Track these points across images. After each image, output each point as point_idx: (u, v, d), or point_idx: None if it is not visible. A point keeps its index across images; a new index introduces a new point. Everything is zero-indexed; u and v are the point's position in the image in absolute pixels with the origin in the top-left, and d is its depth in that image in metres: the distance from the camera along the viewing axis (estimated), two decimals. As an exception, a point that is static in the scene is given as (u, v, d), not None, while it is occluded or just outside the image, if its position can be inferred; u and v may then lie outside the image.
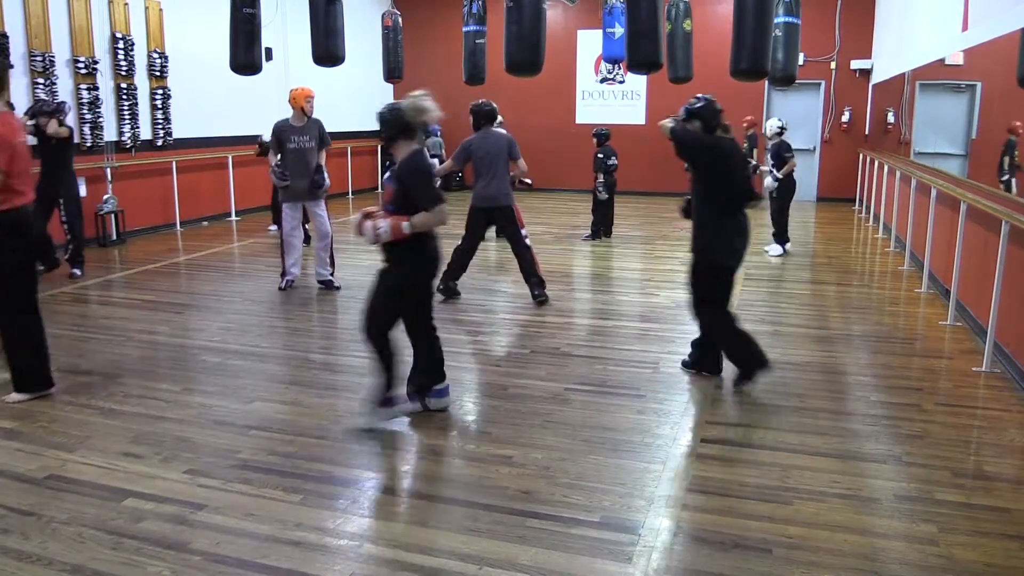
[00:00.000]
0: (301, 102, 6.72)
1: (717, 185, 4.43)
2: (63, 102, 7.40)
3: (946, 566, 2.72)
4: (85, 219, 9.11)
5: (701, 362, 4.68)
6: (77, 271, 7.46)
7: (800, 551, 2.80)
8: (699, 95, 4.53)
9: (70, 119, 8.85)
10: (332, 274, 7.01)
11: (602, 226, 9.72)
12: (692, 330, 5.75)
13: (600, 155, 9.52)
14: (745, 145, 11.32)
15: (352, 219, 5.05)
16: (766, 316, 6.10)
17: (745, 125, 11.88)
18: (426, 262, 3.89)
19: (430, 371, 4.10)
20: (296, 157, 6.68)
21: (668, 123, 4.50)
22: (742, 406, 4.26)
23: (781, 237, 8.61)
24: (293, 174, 6.69)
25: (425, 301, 4.08)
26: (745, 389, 4.45)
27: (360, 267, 8.44)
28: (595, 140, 9.61)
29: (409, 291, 3.93)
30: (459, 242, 6.51)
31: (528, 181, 7.11)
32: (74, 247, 7.51)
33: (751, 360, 4.42)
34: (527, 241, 6.43)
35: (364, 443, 3.77)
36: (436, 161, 12.58)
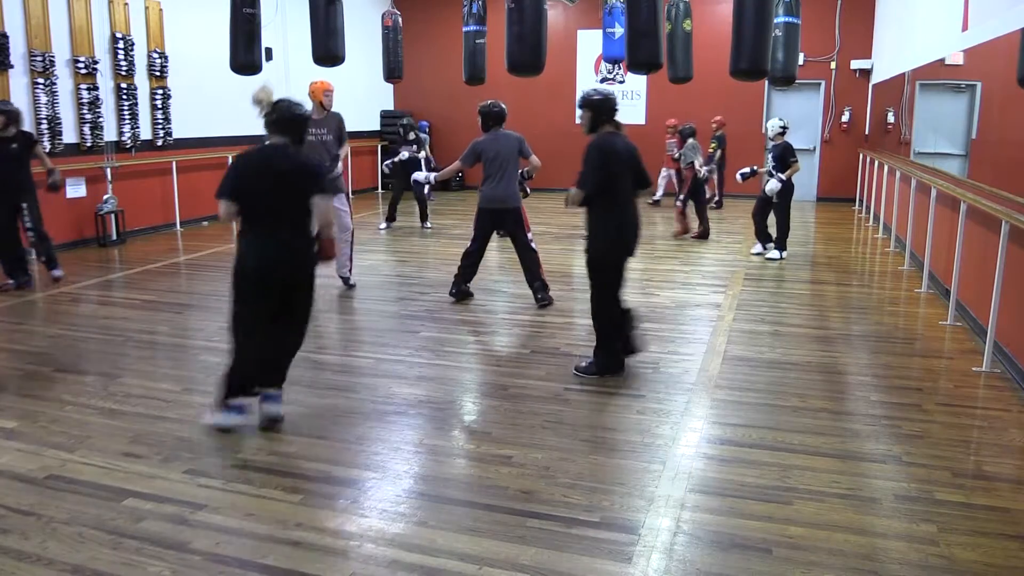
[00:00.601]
0: (320, 96, 6.66)
1: (607, 181, 4.47)
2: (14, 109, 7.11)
3: (946, 566, 2.72)
4: (85, 219, 9.16)
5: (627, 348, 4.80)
6: (58, 272, 7.25)
7: (800, 551, 2.81)
8: (598, 89, 4.69)
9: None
10: (350, 271, 6.97)
11: None
12: (692, 330, 5.76)
13: None
14: (713, 146, 11.44)
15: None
16: (766, 316, 6.10)
17: (714, 126, 11.96)
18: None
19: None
20: (313, 150, 6.60)
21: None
22: (742, 406, 4.26)
23: (782, 242, 8.58)
24: None
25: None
26: (584, 376, 4.60)
27: (360, 267, 8.45)
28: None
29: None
30: (468, 245, 6.48)
31: (527, 189, 7.07)
32: (45, 250, 7.20)
33: (611, 358, 4.61)
34: (532, 244, 6.40)
35: (364, 443, 3.77)
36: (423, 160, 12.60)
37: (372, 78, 12.10)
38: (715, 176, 12.08)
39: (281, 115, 3.76)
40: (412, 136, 10.80)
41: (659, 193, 13.18)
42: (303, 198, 3.73)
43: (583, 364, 4.71)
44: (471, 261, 6.50)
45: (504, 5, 5.86)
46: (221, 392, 3.81)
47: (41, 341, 5.47)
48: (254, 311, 3.74)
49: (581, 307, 6.46)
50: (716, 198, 12.63)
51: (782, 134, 8.50)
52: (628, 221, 4.57)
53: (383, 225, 10.69)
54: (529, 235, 6.41)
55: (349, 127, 11.52)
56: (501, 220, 6.48)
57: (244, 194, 3.65)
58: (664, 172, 12.95)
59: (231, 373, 3.77)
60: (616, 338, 4.64)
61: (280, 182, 3.66)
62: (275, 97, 3.79)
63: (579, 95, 4.70)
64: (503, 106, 6.45)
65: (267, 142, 3.79)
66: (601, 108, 4.53)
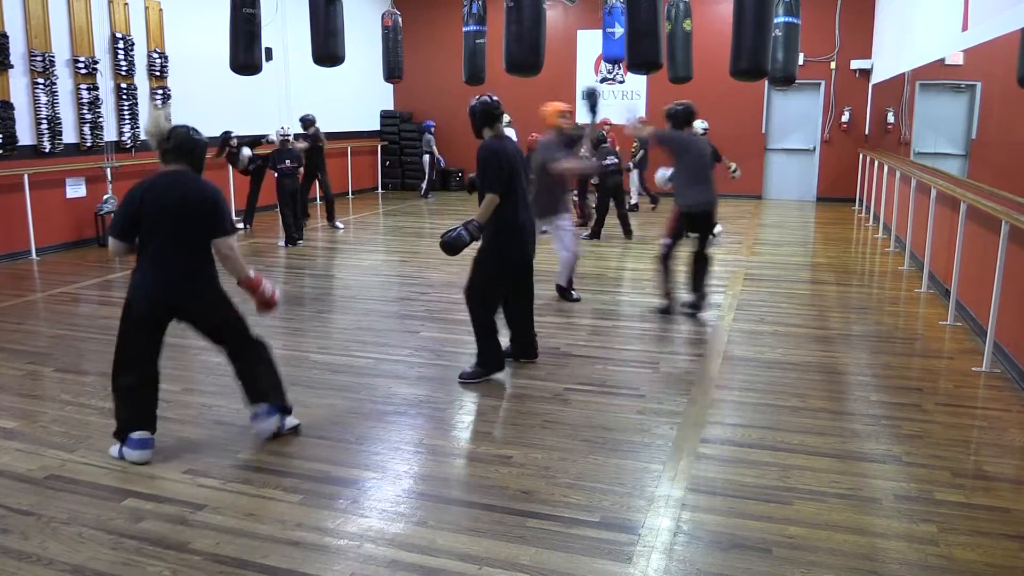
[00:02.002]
0: (555, 119, 6.29)
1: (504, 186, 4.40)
2: None
3: (946, 566, 2.72)
4: (85, 219, 9.17)
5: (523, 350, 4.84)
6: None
7: (800, 551, 2.81)
8: (489, 94, 4.60)
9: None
10: (572, 286, 6.58)
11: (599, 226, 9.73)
12: (693, 330, 5.76)
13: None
14: (635, 146, 11.68)
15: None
16: (766, 316, 6.09)
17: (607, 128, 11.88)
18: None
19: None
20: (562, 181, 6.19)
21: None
22: (742, 406, 4.26)
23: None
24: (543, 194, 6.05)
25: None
26: (468, 382, 4.56)
27: (359, 267, 8.46)
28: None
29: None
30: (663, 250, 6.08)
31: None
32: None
33: (494, 358, 4.59)
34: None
35: (364, 443, 3.77)
36: (427, 158, 12.54)
37: (372, 78, 12.10)
38: (633, 175, 12.08)
39: (179, 142, 3.59)
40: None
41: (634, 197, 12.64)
42: (202, 228, 3.52)
43: (468, 371, 4.62)
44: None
45: (504, 5, 5.86)
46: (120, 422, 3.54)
47: (41, 341, 5.47)
48: (138, 346, 3.51)
49: (581, 307, 6.46)
50: (634, 201, 12.38)
51: (704, 134, 9.13)
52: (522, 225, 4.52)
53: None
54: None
55: (349, 127, 11.48)
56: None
57: (141, 225, 3.43)
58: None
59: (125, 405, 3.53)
60: (489, 334, 4.58)
61: (179, 211, 3.45)
62: (168, 124, 3.64)
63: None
64: (691, 106, 6.16)
65: (165, 170, 3.58)
66: (475, 115, 4.49)
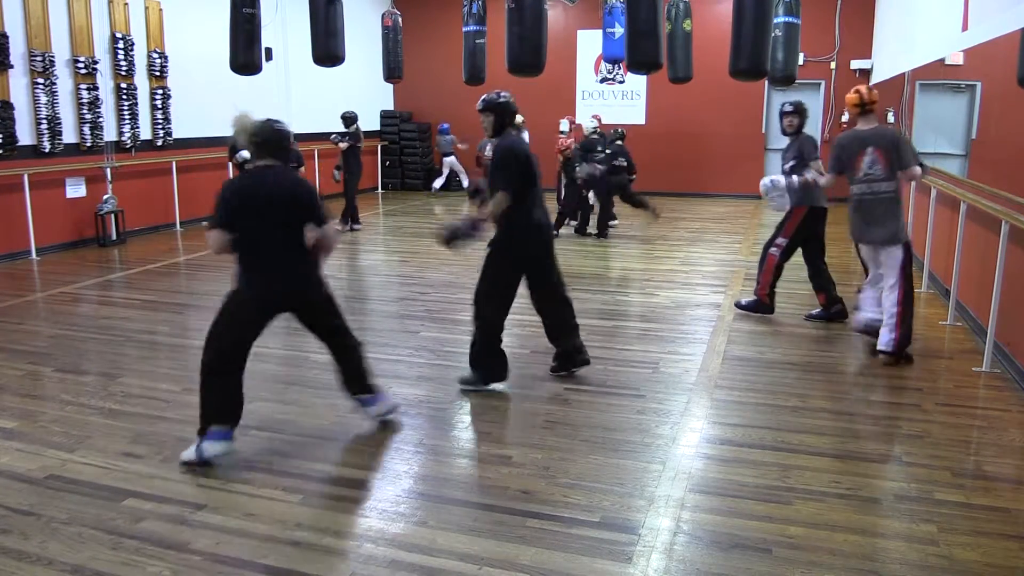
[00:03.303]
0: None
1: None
2: None
3: (946, 566, 2.72)
4: (85, 219, 9.16)
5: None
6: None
7: (800, 551, 2.81)
8: (498, 92, 4.37)
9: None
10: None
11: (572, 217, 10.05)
12: (692, 330, 5.76)
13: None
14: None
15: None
16: (766, 316, 6.09)
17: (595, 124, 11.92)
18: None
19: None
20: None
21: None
22: (742, 406, 4.26)
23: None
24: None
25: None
26: (467, 388, 4.46)
27: (360, 267, 8.47)
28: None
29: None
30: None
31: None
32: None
33: (494, 367, 4.48)
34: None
35: (364, 443, 3.77)
36: (453, 159, 12.53)
37: (372, 78, 12.10)
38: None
39: (265, 137, 3.59)
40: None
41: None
42: (303, 220, 3.53)
43: (467, 377, 4.52)
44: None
45: (504, 5, 5.86)
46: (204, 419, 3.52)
47: (41, 341, 5.47)
48: (241, 340, 3.51)
49: (581, 307, 6.45)
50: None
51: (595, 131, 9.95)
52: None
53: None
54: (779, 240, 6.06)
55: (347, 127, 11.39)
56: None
57: (242, 222, 3.43)
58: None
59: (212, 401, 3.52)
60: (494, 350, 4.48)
61: (283, 206, 3.47)
62: (252, 119, 3.64)
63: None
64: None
65: (256, 166, 3.60)
66: (506, 111, 4.32)
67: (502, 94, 4.35)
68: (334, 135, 10.41)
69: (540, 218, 4.43)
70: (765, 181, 5.90)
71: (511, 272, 4.45)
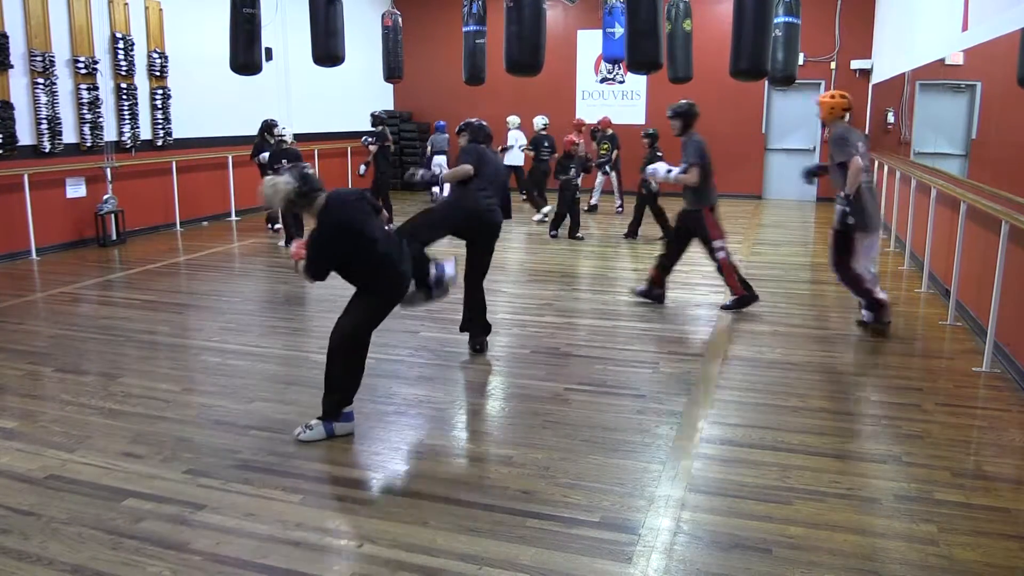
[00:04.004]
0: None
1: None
2: None
3: (946, 566, 2.72)
4: (85, 219, 9.17)
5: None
6: None
7: (800, 551, 2.81)
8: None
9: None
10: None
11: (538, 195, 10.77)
12: (692, 330, 5.76)
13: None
14: (605, 147, 11.80)
15: None
16: (766, 316, 6.09)
17: (601, 125, 12.12)
18: None
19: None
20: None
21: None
22: (742, 406, 4.26)
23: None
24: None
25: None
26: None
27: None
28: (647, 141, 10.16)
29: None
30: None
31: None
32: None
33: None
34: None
35: (364, 443, 3.77)
36: (444, 158, 12.63)
37: (372, 78, 12.10)
38: (613, 177, 12.14)
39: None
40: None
41: (595, 197, 12.53)
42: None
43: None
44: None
45: (504, 5, 5.86)
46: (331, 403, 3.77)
47: (41, 341, 5.47)
48: (374, 327, 3.84)
49: (581, 307, 6.47)
50: (593, 203, 12.50)
51: (544, 129, 11.15)
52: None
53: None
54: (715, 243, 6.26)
55: (349, 127, 11.49)
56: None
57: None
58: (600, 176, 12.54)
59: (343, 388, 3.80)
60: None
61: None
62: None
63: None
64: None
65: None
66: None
67: (481, 121, 5.25)
68: (364, 137, 10.68)
69: (484, 202, 5.04)
70: (655, 168, 6.74)
71: (445, 219, 5.23)
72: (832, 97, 5.72)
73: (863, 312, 5.66)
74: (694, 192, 6.23)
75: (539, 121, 11.41)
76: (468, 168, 5.03)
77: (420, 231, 5.00)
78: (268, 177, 3.76)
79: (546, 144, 11.11)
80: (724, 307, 6.31)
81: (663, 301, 6.43)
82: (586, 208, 12.19)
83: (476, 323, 5.25)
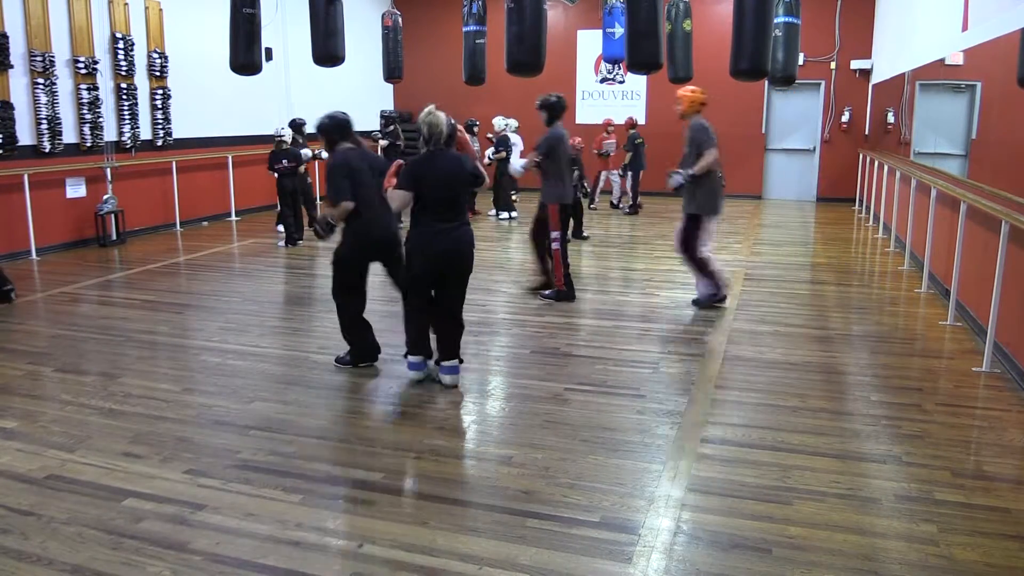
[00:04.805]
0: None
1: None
2: None
3: (946, 566, 2.72)
4: (85, 219, 9.17)
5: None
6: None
7: (800, 551, 2.81)
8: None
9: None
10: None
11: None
12: (692, 330, 5.76)
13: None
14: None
15: None
16: (766, 316, 6.10)
17: (625, 126, 12.37)
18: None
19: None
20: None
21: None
22: (742, 406, 4.26)
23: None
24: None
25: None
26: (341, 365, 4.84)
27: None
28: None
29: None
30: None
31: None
32: None
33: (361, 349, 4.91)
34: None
35: (364, 443, 3.77)
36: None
37: (372, 78, 12.10)
38: (627, 180, 12.31)
39: (451, 132, 4.43)
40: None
41: (597, 193, 12.66)
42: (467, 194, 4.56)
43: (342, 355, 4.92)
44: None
45: (504, 5, 5.86)
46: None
47: (41, 341, 5.47)
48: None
49: (581, 307, 6.47)
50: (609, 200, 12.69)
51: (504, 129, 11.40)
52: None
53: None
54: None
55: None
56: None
57: (423, 194, 4.31)
58: (603, 174, 12.65)
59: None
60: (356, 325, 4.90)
61: (455, 183, 4.41)
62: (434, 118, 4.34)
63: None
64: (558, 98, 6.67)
65: (434, 150, 4.37)
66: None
67: (334, 113, 4.98)
68: (375, 132, 10.97)
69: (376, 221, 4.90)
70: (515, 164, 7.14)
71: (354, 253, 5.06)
72: (693, 92, 6.32)
73: (698, 290, 6.40)
74: (551, 187, 6.54)
75: (499, 123, 11.65)
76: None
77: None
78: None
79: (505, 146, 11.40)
80: (542, 295, 6.67)
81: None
82: (624, 210, 12.31)
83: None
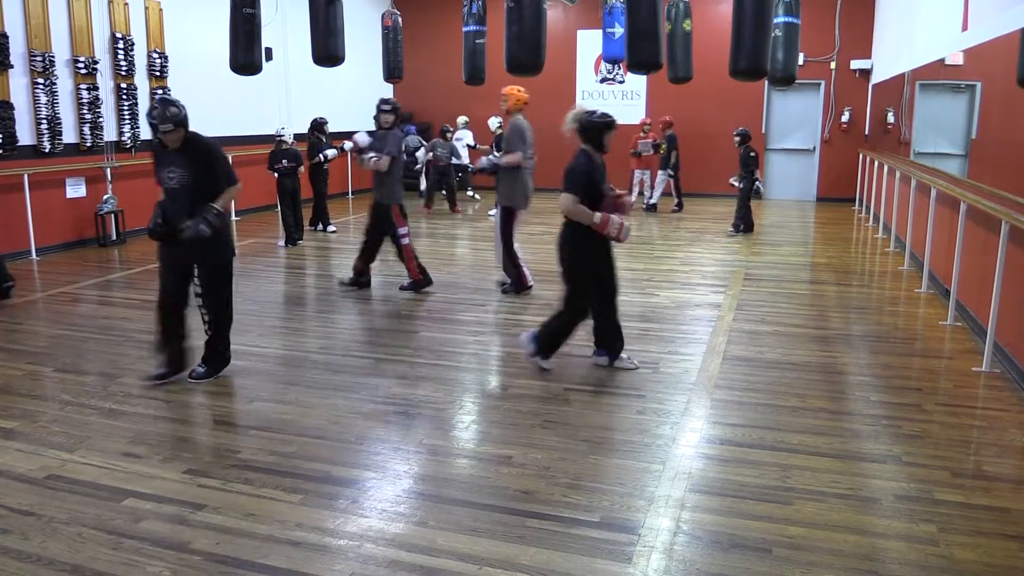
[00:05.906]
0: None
1: None
2: None
3: (946, 566, 2.72)
4: (85, 219, 9.17)
5: None
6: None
7: (800, 551, 2.81)
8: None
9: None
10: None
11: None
12: (692, 330, 5.76)
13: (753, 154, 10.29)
14: (663, 146, 12.06)
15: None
16: (766, 316, 6.10)
17: (661, 125, 12.28)
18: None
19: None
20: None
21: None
22: (742, 406, 4.26)
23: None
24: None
25: None
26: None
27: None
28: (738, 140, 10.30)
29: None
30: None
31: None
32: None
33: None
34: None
35: (364, 443, 3.77)
36: (420, 154, 12.84)
37: (372, 78, 12.10)
38: (672, 180, 12.33)
39: (583, 126, 4.61)
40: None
41: (635, 194, 12.41)
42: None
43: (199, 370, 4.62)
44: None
45: (504, 5, 5.86)
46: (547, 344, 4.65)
47: (41, 341, 5.47)
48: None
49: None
50: (653, 201, 12.58)
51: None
52: None
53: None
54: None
55: (349, 127, 11.45)
56: None
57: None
58: (638, 174, 12.57)
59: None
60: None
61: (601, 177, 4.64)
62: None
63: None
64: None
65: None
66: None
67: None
68: (280, 135, 10.48)
69: None
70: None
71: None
72: (519, 91, 6.64)
73: (506, 280, 6.83)
74: (388, 189, 6.74)
75: (494, 123, 12.23)
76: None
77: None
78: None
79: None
80: (402, 287, 6.91)
81: (369, 286, 7.03)
82: (644, 207, 12.29)
83: None
